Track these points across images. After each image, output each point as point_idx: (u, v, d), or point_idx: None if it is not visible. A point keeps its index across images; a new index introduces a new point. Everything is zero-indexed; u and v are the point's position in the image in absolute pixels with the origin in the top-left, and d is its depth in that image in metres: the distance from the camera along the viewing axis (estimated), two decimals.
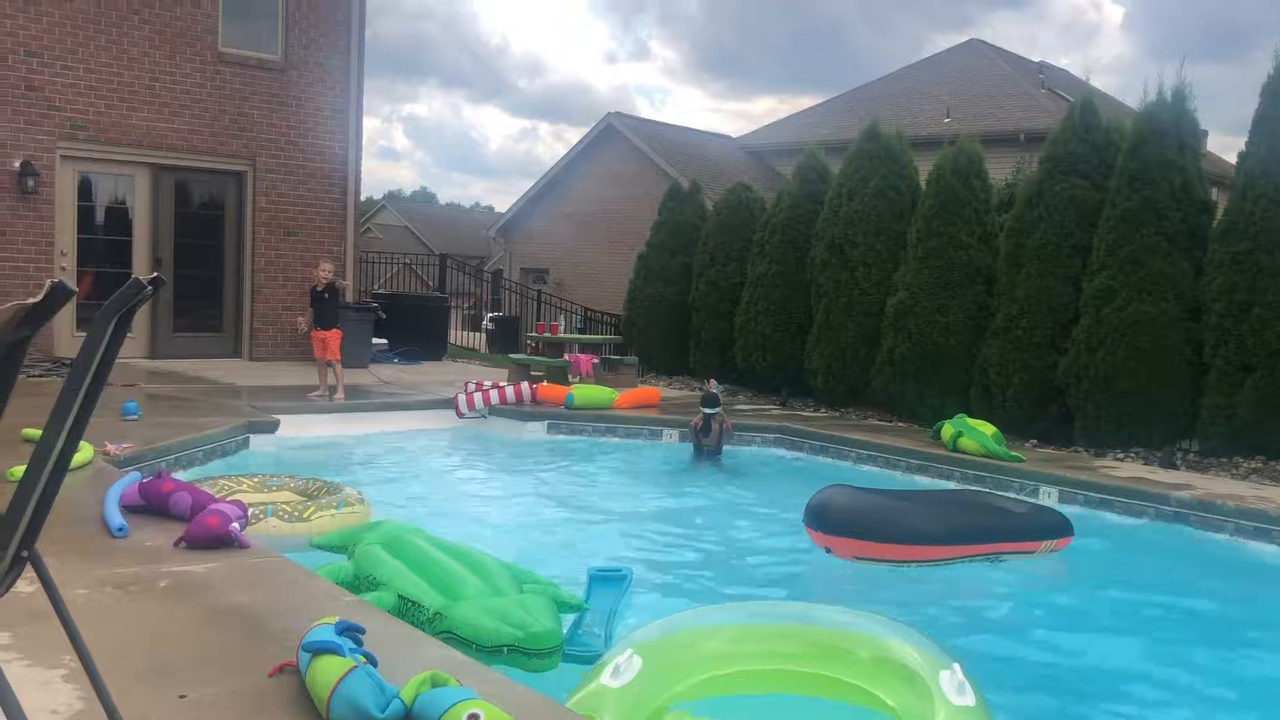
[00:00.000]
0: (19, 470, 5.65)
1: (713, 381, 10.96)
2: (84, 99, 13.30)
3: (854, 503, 6.57)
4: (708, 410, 10.00)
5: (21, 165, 12.80)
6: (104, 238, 14.00)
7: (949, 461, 9.28)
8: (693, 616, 4.32)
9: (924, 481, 9.18)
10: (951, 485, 8.89)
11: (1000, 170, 16.68)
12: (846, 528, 6.38)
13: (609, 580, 5.25)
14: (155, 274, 2.45)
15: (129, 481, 5.51)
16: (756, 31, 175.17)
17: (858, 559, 6.39)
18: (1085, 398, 10.12)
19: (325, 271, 11.21)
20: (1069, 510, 7.55)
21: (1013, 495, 8.12)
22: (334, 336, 10.96)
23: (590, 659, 4.22)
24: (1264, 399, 9.20)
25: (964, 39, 32.29)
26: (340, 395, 10.86)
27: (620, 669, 3.61)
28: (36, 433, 7.21)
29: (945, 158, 11.85)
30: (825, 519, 6.47)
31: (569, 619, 4.83)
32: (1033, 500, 8.12)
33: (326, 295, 11.10)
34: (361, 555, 5.06)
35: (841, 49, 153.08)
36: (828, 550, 6.49)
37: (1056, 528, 6.85)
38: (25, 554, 2.39)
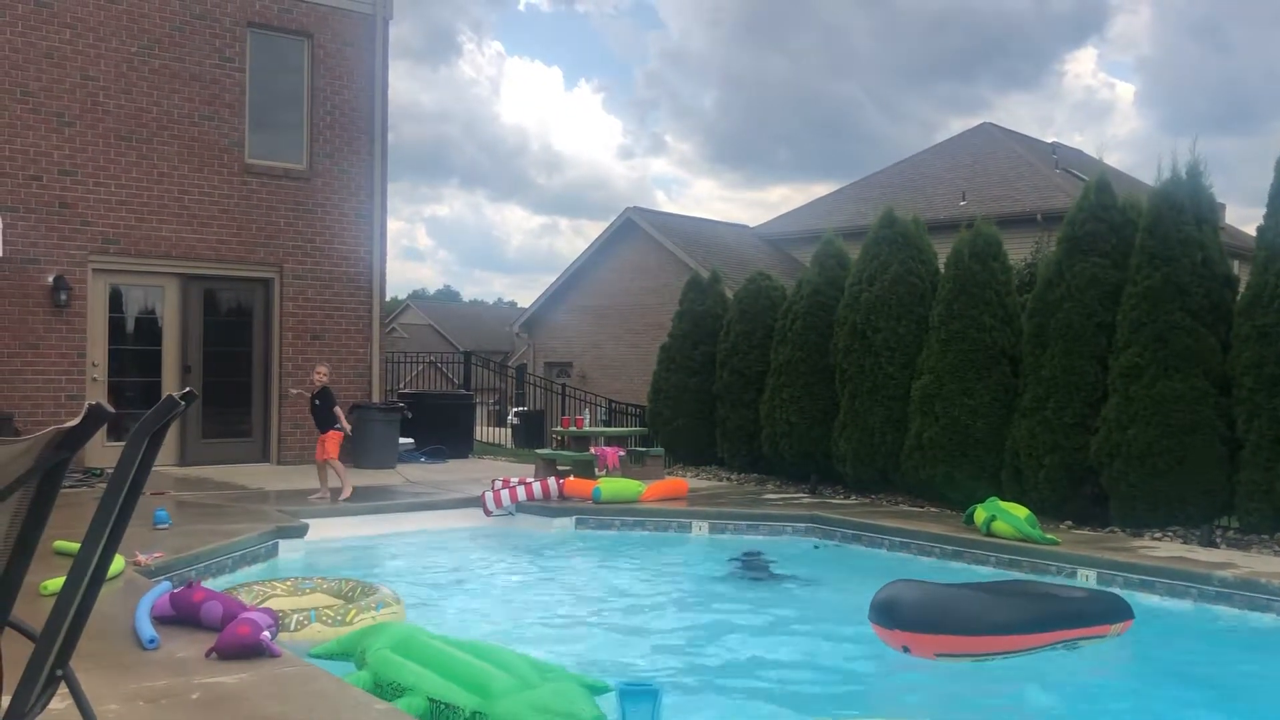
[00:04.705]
0: (51, 584, 5.69)
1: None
2: (115, 214, 13.63)
3: (929, 597, 6.08)
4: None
5: (55, 280, 13.09)
6: (134, 348, 14.22)
7: (984, 546, 9.14)
8: None
9: (959, 568, 9.03)
10: (987, 570, 8.74)
11: (1018, 251, 16.77)
12: (927, 624, 5.87)
13: (640, 696, 5.05)
14: (187, 389, 2.49)
15: (160, 592, 5.50)
16: (769, 122, 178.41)
17: (940, 656, 5.97)
18: (1119, 477, 9.99)
19: (320, 376, 11.38)
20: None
21: (1050, 579, 7.95)
22: (329, 438, 11.06)
23: None
24: None
25: (977, 122, 32.74)
26: (347, 494, 10.88)
27: None
28: (68, 545, 7.26)
29: (963, 241, 11.92)
30: (901, 616, 5.93)
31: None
32: (1084, 585, 7.90)
33: (318, 401, 11.24)
34: (378, 661, 4.99)
35: (854, 136, 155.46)
36: (905, 649, 5.98)
37: (1121, 610, 6.59)
38: (60, 673, 2.39)
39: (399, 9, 16.00)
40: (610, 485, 11.42)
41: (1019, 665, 6.14)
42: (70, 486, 11.32)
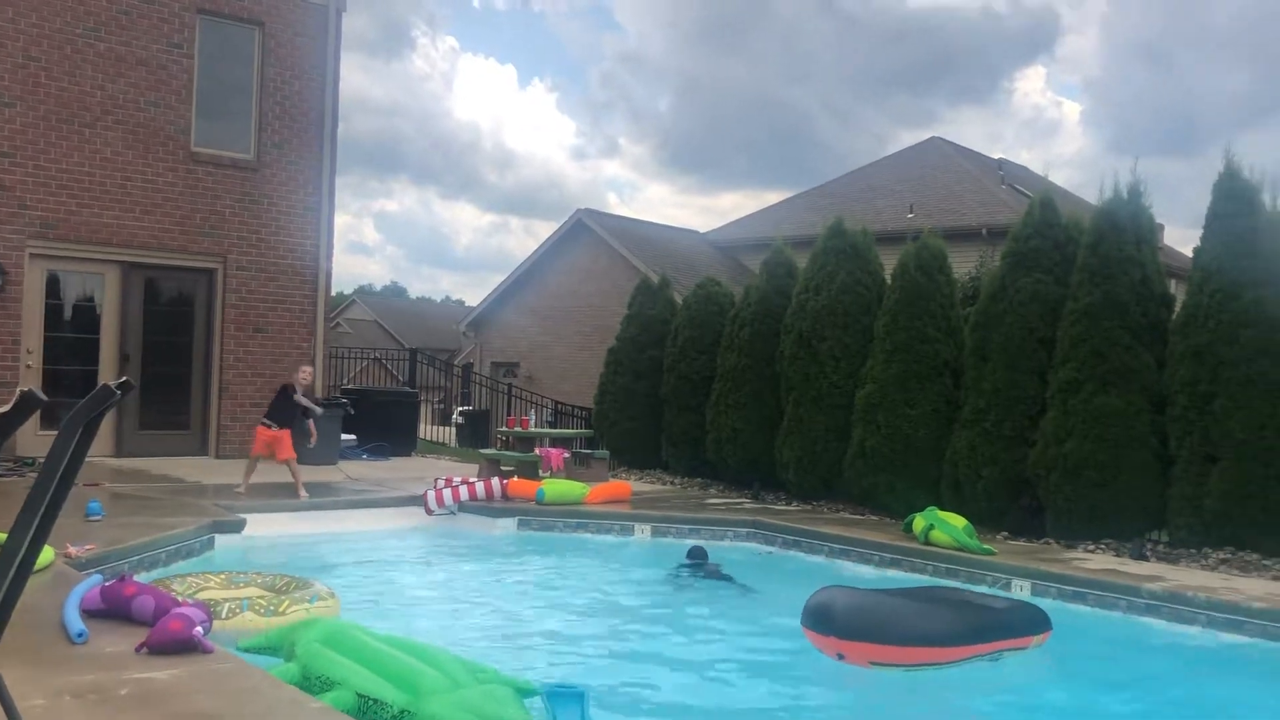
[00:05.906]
0: None
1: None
2: (55, 198, 13.34)
3: (863, 605, 6.11)
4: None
5: None
6: (71, 335, 13.92)
7: (922, 555, 9.26)
8: None
9: (896, 575, 9.13)
10: (924, 579, 8.84)
11: (963, 264, 17.02)
12: (862, 632, 5.90)
13: (566, 699, 4.92)
14: (124, 378, 2.45)
15: (90, 585, 5.39)
16: (723, 129, 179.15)
17: (873, 664, 6.00)
18: (1055, 489, 10.16)
19: (305, 376, 11.66)
20: (1042, 604, 7.51)
21: (982, 590, 8.07)
22: (284, 437, 11.04)
23: None
24: (1230, 490, 9.26)
25: (928, 135, 33.23)
26: (303, 494, 10.76)
27: None
28: None
29: (909, 253, 12.06)
30: (835, 623, 5.94)
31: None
32: (1005, 594, 8.06)
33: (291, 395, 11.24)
34: (308, 655, 4.93)
35: (807, 144, 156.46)
36: (839, 657, 6.01)
37: (1041, 621, 6.72)
38: None
39: (352, 1, 15.85)
40: (554, 487, 11.39)
41: (951, 675, 6.22)
42: (0, 476, 11.05)
